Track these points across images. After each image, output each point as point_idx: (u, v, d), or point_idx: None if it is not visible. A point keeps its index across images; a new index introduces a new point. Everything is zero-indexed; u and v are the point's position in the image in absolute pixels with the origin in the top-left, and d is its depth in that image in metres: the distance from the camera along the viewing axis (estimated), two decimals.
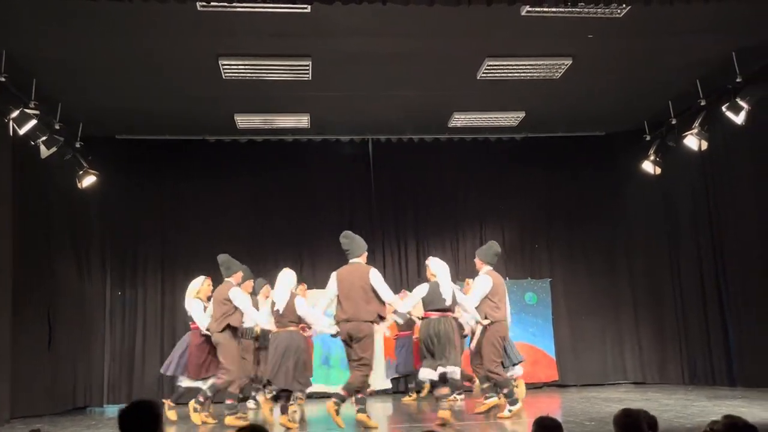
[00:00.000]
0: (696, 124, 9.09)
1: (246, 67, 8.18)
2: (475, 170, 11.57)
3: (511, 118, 10.52)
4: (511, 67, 8.51)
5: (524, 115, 10.36)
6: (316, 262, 11.10)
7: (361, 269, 6.67)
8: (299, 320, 6.96)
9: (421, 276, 11.33)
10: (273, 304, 7.03)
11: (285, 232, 11.15)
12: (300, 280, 10.89)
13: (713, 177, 9.79)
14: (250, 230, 11.13)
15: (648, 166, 10.33)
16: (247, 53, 7.94)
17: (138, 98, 9.16)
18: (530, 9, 6.89)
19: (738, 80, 8.40)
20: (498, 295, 7.16)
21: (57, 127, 8.68)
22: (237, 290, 7.50)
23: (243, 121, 10.16)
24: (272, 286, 8.15)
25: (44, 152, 8.40)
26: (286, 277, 7.11)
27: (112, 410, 9.95)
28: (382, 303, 6.62)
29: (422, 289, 6.89)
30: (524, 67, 8.50)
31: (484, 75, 8.66)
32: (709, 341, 9.82)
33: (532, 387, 8.45)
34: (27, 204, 8.60)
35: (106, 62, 7.99)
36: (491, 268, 7.38)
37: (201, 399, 7.53)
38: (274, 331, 6.98)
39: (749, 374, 9.02)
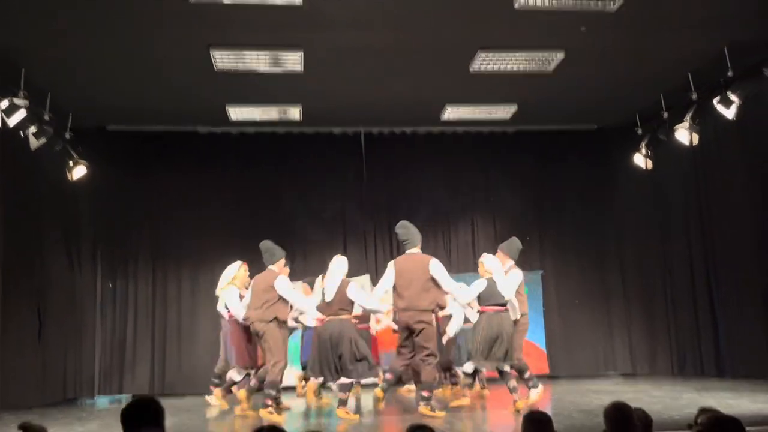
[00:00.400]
0: (687, 117, 9.12)
1: (238, 58, 8.14)
2: (467, 163, 11.57)
3: (503, 111, 10.52)
4: (503, 60, 8.50)
5: (516, 108, 10.36)
6: (307, 255, 11.10)
7: (421, 258, 6.77)
8: (350, 308, 6.82)
9: None
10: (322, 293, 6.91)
11: (277, 223, 11.11)
12: (291, 273, 10.96)
13: (704, 171, 9.84)
14: (242, 222, 11.09)
15: (639, 160, 10.36)
16: (239, 44, 7.90)
17: (129, 89, 9.10)
18: (523, 2, 6.88)
19: (729, 75, 8.42)
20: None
21: (46, 118, 8.61)
22: (283, 279, 7.16)
23: (235, 112, 10.12)
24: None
25: (34, 144, 8.33)
26: (340, 264, 6.99)
27: (103, 402, 9.94)
28: (442, 292, 6.71)
29: (480, 285, 7.10)
30: (517, 60, 8.49)
31: (477, 68, 8.65)
32: (699, 333, 9.90)
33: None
34: (16, 196, 8.55)
35: (96, 53, 7.93)
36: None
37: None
38: (325, 319, 6.82)
39: (738, 366, 9.10)
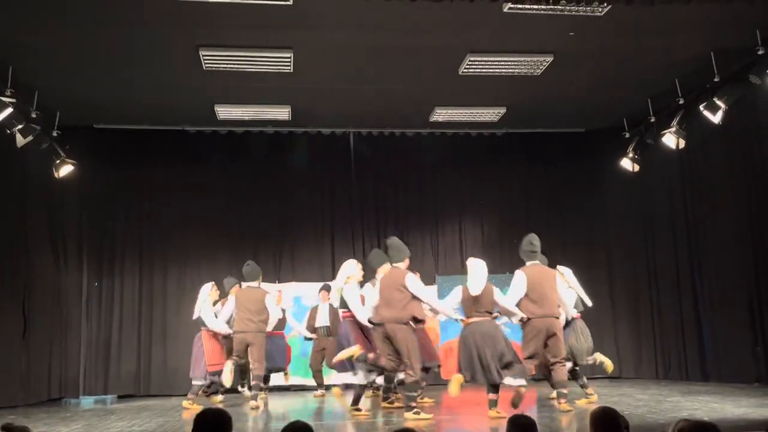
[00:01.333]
0: (674, 122, 9.17)
1: (227, 58, 8.11)
2: (455, 165, 11.58)
3: (492, 114, 10.54)
4: (492, 63, 8.51)
5: (505, 110, 10.38)
6: (295, 255, 11.08)
7: (550, 272, 7.16)
8: (492, 310, 6.75)
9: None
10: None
11: (265, 224, 11.10)
12: (278, 271, 10.93)
13: (690, 175, 9.90)
14: (229, 222, 11.06)
15: (627, 163, 10.40)
16: (228, 44, 7.86)
17: (117, 87, 9.03)
18: (512, 5, 6.89)
19: (716, 80, 8.48)
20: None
21: (34, 115, 8.55)
22: (413, 277, 6.94)
23: (223, 112, 10.08)
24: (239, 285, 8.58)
25: (20, 141, 8.25)
26: (480, 266, 6.74)
27: (88, 402, 9.85)
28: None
29: (572, 294, 7.62)
30: (506, 63, 8.51)
31: (466, 70, 8.66)
32: (684, 337, 9.95)
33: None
34: (2, 193, 8.46)
35: (84, 50, 7.87)
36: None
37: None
38: (467, 321, 6.63)
39: (722, 370, 9.15)
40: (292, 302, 10.55)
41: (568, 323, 7.68)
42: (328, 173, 11.42)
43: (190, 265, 10.82)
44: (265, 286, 8.87)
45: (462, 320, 6.77)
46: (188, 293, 10.70)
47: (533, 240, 7.23)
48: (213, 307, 8.54)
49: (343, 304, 7.39)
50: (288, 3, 6.83)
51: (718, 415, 5.76)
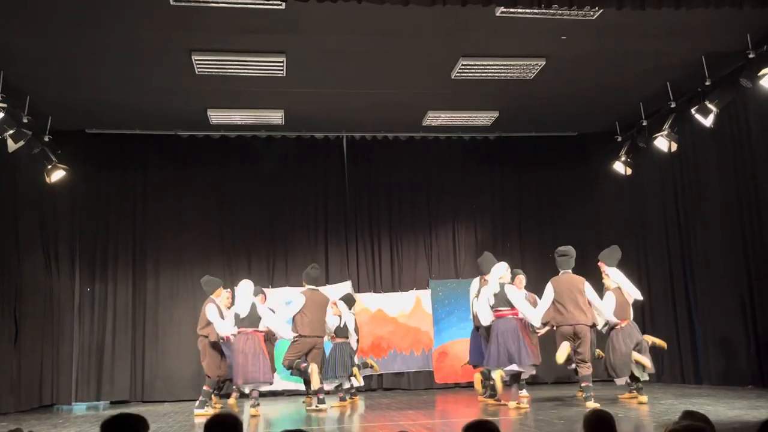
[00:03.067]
0: (666, 125, 9.20)
1: (219, 62, 8.09)
2: (448, 169, 11.58)
3: (484, 118, 10.55)
4: (485, 67, 8.52)
5: (498, 114, 10.40)
6: (288, 260, 11.04)
7: (577, 279, 7.69)
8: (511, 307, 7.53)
9: (394, 272, 11.33)
10: None
11: (258, 229, 11.06)
12: (271, 275, 10.89)
13: (682, 178, 9.92)
14: (222, 227, 11.02)
15: (619, 167, 10.43)
16: (220, 48, 7.85)
17: (109, 92, 9.00)
18: (504, 10, 6.89)
19: (707, 83, 8.52)
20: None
21: (25, 120, 8.51)
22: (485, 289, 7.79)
23: (216, 116, 10.05)
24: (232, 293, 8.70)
25: (12, 146, 8.21)
26: (501, 268, 7.65)
27: (80, 408, 9.78)
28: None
29: (611, 298, 7.92)
30: (498, 67, 8.53)
31: (459, 74, 8.66)
32: (678, 340, 9.95)
33: (504, 385, 8.49)
34: None
35: (76, 55, 7.84)
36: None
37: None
38: (493, 319, 7.56)
39: (715, 372, 9.16)
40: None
41: (611, 329, 7.94)
42: (321, 177, 11.40)
43: (183, 271, 10.77)
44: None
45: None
46: (181, 298, 10.68)
47: (567, 251, 7.85)
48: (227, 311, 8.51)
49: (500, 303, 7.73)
50: (280, 7, 6.82)
51: (711, 417, 5.72)
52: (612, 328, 7.90)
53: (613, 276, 8.05)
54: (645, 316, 10.70)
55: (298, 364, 8.25)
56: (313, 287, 8.50)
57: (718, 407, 6.57)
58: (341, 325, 8.73)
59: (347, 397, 8.73)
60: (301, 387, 9.32)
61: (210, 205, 10.99)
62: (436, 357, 10.85)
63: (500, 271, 7.66)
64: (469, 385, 9.77)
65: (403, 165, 11.51)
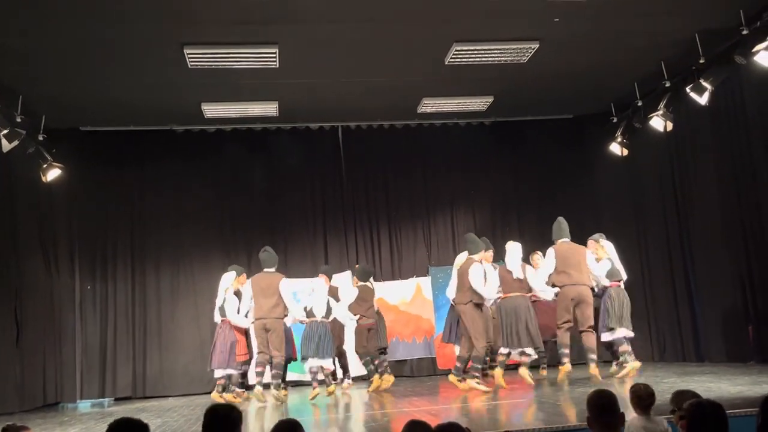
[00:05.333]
0: (661, 105, 9.19)
1: (212, 55, 8.05)
2: (445, 155, 11.58)
3: (479, 103, 10.54)
4: (479, 52, 8.50)
5: (493, 99, 10.38)
6: (288, 250, 11.04)
7: (579, 248, 8.10)
8: (529, 288, 7.88)
9: (394, 260, 11.36)
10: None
11: (256, 221, 11.07)
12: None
13: (679, 157, 9.92)
14: (221, 220, 11.03)
15: (615, 148, 10.43)
16: (212, 41, 7.81)
17: (102, 89, 8.97)
18: None
19: (701, 61, 8.50)
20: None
21: (18, 119, 8.48)
22: (476, 267, 7.87)
23: (210, 110, 10.02)
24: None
25: (6, 146, 8.19)
26: (517, 248, 7.98)
27: (85, 405, 9.83)
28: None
29: (605, 265, 8.28)
30: (492, 51, 8.50)
31: (453, 60, 8.64)
32: (678, 319, 9.99)
33: (507, 368, 8.55)
34: None
35: (68, 52, 7.80)
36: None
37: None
38: (503, 297, 7.84)
39: (716, 350, 9.20)
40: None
41: (604, 291, 8.33)
42: (317, 168, 11.39)
43: (183, 266, 10.79)
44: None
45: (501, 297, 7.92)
46: (182, 293, 10.70)
47: (561, 222, 8.29)
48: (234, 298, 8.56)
49: None
50: None
51: (714, 394, 5.79)
52: (605, 289, 8.30)
53: (607, 248, 8.49)
54: (646, 296, 10.75)
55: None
56: (267, 270, 8.29)
57: (720, 384, 6.61)
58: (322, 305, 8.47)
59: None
60: (306, 378, 9.36)
61: (207, 199, 10.99)
62: (438, 344, 10.89)
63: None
64: (485, 374, 9.77)
65: (400, 153, 11.51)
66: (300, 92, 9.60)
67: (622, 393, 6.58)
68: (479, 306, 7.79)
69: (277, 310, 8.02)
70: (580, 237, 11.44)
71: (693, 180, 9.64)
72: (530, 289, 7.92)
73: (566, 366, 7.60)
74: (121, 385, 10.29)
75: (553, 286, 7.96)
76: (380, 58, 8.61)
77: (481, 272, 7.78)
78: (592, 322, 7.79)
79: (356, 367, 9.51)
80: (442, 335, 9.14)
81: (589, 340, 7.74)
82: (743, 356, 8.58)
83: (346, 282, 9.87)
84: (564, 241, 8.13)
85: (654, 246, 10.58)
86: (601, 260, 8.38)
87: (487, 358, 8.52)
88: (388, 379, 8.83)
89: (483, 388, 7.56)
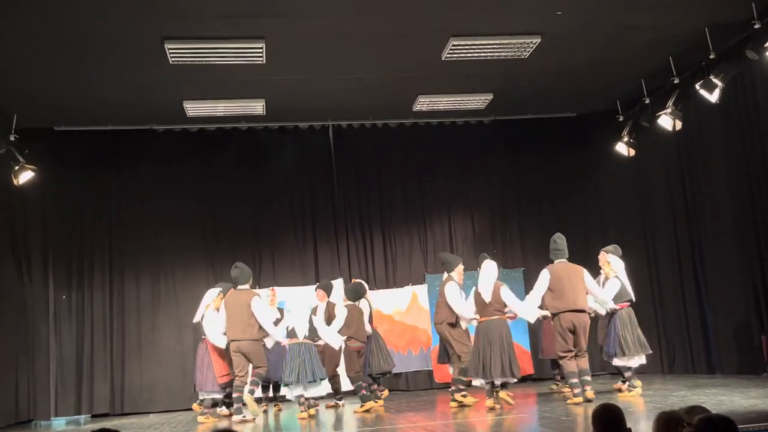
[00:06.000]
0: (670, 103, 9.22)
1: (195, 50, 8.04)
2: (441, 156, 11.59)
3: (478, 101, 10.55)
4: (477, 47, 8.51)
5: (492, 97, 10.40)
6: (275, 257, 11.04)
7: (577, 269, 7.81)
8: (503, 308, 7.65)
9: (388, 268, 11.35)
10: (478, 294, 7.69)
11: (242, 226, 11.05)
12: (258, 275, 10.85)
13: (688, 158, 9.95)
14: (204, 225, 11.00)
15: (622, 148, 10.46)
16: (195, 36, 7.80)
17: (77, 86, 8.96)
18: None
19: (711, 57, 8.54)
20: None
21: None
22: (451, 285, 8.03)
23: (193, 108, 10.01)
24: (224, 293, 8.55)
25: None
26: (490, 267, 7.71)
27: (60, 423, 9.78)
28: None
29: (615, 285, 8.13)
30: (491, 46, 8.52)
31: (449, 56, 8.65)
32: (688, 329, 10.01)
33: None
34: None
35: (41, 48, 7.78)
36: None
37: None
38: (480, 320, 7.65)
39: (727, 362, 9.22)
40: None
41: (613, 314, 8.15)
42: (307, 170, 11.38)
43: (164, 274, 10.76)
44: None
45: (476, 320, 7.75)
46: (163, 303, 10.67)
47: (557, 239, 7.98)
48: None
49: None
50: None
51: (726, 407, 5.81)
52: (613, 313, 8.15)
53: (615, 265, 8.28)
54: (654, 305, 10.78)
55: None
56: (240, 287, 8.21)
57: (732, 397, 6.63)
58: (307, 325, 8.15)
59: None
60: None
61: (190, 203, 10.97)
62: (435, 355, 10.88)
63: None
64: (469, 385, 9.79)
65: (394, 153, 11.51)
66: (288, 89, 9.60)
67: (630, 407, 6.62)
68: (454, 325, 7.99)
69: (251, 331, 7.91)
70: (583, 244, 11.55)
71: (703, 182, 9.67)
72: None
73: (579, 398, 7.37)
74: (98, 401, 10.24)
75: (546, 310, 7.84)
76: (373, 54, 8.62)
77: (456, 290, 7.97)
78: (583, 348, 7.65)
79: (347, 383, 9.44)
80: (438, 355, 9.00)
81: (582, 363, 7.57)
82: (756, 368, 8.60)
83: (338, 292, 9.81)
84: (561, 262, 7.86)
85: (662, 252, 10.61)
86: (609, 279, 8.24)
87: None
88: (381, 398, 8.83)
89: (469, 400, 7.70)
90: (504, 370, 7.36)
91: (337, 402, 9.13)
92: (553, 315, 7.67)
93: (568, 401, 7.45)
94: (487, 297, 7.55)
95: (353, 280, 9.82)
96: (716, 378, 8.94)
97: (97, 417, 10.08)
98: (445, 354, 8.31)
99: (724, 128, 9.14)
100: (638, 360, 8.11)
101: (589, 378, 7.53)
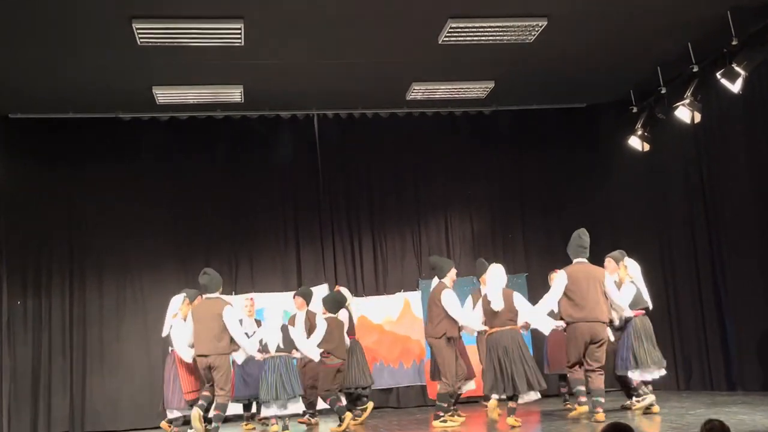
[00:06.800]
0: (688, 93, 9.25)
1: (165, 31, 8.02)
2: (438, 150, 11.60)
3: (478, 89, 10.57)
4: (477, 30, 8.52)
5: (493, 85, 10.42)
6: (254, 261, 11.01)
7: (598, 272, 7.68)
8: (516, 317, 7.59)
9: (378, 273, 11.34)
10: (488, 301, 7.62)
11: (217, 226, 11.02)
12: (234, 281, 10.81)
13: (708, 154, 9.97)
14: (176, 225, 10.96)
15: (635, 142, 10.48)
16: (166, 15, 7.78)
17: (34, 69, 8.91)
18: None
19: (734, 43, 8.56)
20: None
21: None
22: (449, 294, 7.92)
23: (163, 95, 9.99)
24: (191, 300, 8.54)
25: None
26: (498, 272, 7.68)
27: None
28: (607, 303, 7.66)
29: (631, 290, 8.02)
30: (493, 29, 8.52)
31: (447, 39, 8.66)
32: (706, 342, 10.04)
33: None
34: None
35: None
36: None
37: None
38: (489, 331, 7.60)
39: (749, 377, 9.26)
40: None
41: (626, 322, 8.05)
42: (289, 164, 11.36)
43: (130, 279, 10.71)
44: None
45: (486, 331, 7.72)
46: (129, 311, 10.63)
47: (582, 235, 7.83)
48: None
49: None
50: None
51: (747, 427, 5.84)
52: (627, 321, 8.04)
53: (631, 269, 8.22)
54: (670, 315, 10.81)
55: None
56: (208, 295, 8.09)
57: (754, 416, 6.65)
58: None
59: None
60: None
61: (160, 201, 10.93)
62: (429, 369, 10.88)
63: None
64: (468, 401, 9.81)
65: (385, 147, 11.51)
66: (269, 75, 9.58)
67: (642, 428, 6.63)
68: (452, 340, 7.89)
69: (220, 344, 7.77)
70: (592, 249, 11.53)
71: (724, 180, 9.69)
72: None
73: (584, 407, 7.39)
74: (56, 419, 10.18)
75: (561, 318, 7.67)
76: (363, 37, 8.61)
77: (455, 298, 7.91)
78: (602, 363, 7.54)
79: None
80: (430, 371, 8.97)
81: (598, 381, 7.46)
82: None
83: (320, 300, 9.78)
84: (580, 262, 7.73)
85: (679, 257, 10.63)
86: (623, 284, 8.10)
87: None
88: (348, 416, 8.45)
89: (451, 425, 7.67)
90: (531, 382, 7.34)
91: (310, 418, 9.08)
92: (568, 324, 7.55)
93: (570, 414, 7.52)
94: (497, 305, 7.47)
95: (336, 288, 9.79)
96: (736, 395, 8.97)
97: None
98: (437, 370, 8.29)
99: (746, 121, 9.17)
100: (655, 373, 8.08)
101: (602, 400, 7.39)
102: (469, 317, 7.94)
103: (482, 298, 7.76)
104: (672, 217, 10.82)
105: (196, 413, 7.64)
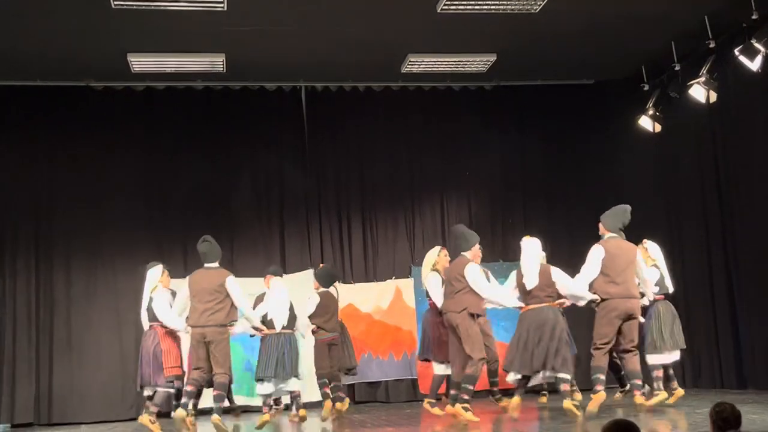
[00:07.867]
0: (704, 70, 9.28)
1: None
2: (435, 127, 11.61)
3: (479, 62, 10.57)
4: None
5: (495, 58, 10.42)
6: (234, 244, 11.01)
7: (632, 249, 7.85)
8: (557, 294, 7.64)
9: (368, 258, 11.37)
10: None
11: (195, 205, 11.01)
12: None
13: (723, 136, 10.00)
14: (150, 204, 10.96)
15: (646, 122, 10.51)
16: None
17: (1, 34, 8.84)
18: None
19: (754, 17, 8.57)
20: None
21: None
22: (474, 267, 7.83)
23: (138, 62, 9.97)
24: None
25: None
26: (534, 245, 7.79)
27: None
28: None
29: (654, 273, 8.22)
30: None
31: (446, 7, 8.65)
32: (717, 337, 10.12)
33: (507, 392, 8.58)
34: None
35: None
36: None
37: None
38: (525, 308, 7.64)
39: (761, 375, 9.34)
40: None
41: (649, 306, 8.27)
42: (274, 140, 11.37)
43: (101, 261, 10.72)
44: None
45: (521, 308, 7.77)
46: (100, 294, 10.64)
47: (629, 212, 7.96)
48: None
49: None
50: None
51: (758, 427, 5.90)
52: (650, 305, 8.24)
53: (653, 252, 8.43)
54: (680, 308, 10.87)
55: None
56: (208, 265, 8.11)
57: (765, 416, 6.72)
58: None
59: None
60: (255, 402, 9.38)
61: (133, 178, 10.92)
62: (421, 362, 10.94)
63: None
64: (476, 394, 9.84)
65: (378, 123, 11.51)
66: (253, 43, 9.56)
67: (650, 424, 6.70)
68: (475, 316, 7.71)
69: (219, 315, 7.78)
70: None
71: (740, 165, 9.72)
72: (559, 295, 7.70)
73: (601, 394, 7.37)
74: (20, 409, 10.21)
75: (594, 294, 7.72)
76: (355, 4, 8.59)
77: (480, 273, 7.82)
78: (637, 342, 7.71)
79: (309, 392, 9.49)
80: (420, 350, 9.09)
81: (633, 362, 7.65)
82: None
83: (307, 285, 9.86)
84: (615, 237, 7.84)
85: (690, 246, 10.68)
86: (646, 267, 8.22)
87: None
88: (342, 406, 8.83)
89: (471, 417, 7.48)
90: (548, 362, 7.37)
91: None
92: (603, 300, 7.62)
93: (588, 407, 7.43)
94: (531, 281, 7.54)
95: (320, 266, 9.88)
96: (748, 393, 9.07)
97: (19, 427, 10.06)
98: (429, 348, 8.33)
99: (765, 101, 9.20)
100: (672, 356, 8.25)
101: (639, 382, 7.59)
102: (497, 291, 7.90)
103: (516, 273, 7.83)
104: (683, 204, 10.86)
105: (180, 414, 7.58)
